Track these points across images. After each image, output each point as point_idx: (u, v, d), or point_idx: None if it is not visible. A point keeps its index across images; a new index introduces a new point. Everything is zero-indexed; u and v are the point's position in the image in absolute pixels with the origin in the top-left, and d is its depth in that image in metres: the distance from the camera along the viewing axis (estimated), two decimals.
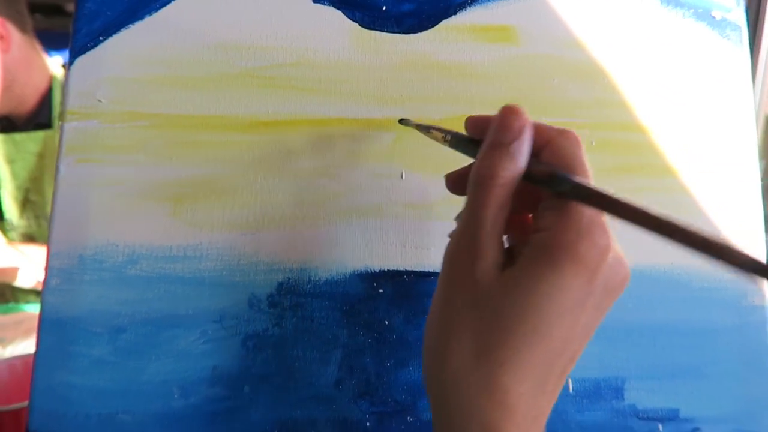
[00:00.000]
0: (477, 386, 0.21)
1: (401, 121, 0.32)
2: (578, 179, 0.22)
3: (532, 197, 0.24)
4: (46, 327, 0.30)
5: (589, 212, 0.22)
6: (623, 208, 0.20)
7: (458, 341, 0.22)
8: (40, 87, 0.93)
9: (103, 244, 0.31)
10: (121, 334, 0.30)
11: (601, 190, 0.21)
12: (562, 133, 0.24)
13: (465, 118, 0.33)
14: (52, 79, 0.94)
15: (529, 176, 0.23)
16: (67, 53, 0.33)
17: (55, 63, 0.97)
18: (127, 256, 0.31)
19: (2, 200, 0.92)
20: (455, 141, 0.27)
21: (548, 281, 0.21)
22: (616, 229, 0.22)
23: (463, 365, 0.22)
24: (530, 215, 0.25)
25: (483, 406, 0.21)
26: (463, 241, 0.23)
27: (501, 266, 0.23)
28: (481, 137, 0.24)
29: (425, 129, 0.30)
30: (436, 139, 0.29)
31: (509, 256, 0.23)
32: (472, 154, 0.25)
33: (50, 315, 0.30)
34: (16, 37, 0.88)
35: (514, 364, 0.21)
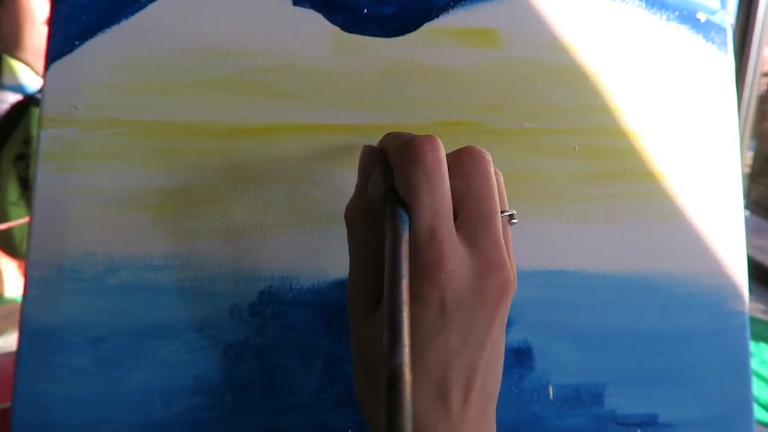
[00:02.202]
0: (374, 415, 0.24)
1: None
2: (389, 212, 0.23)
3: None
4: (26, 337, 0.30)
5: (426, 249, 0.23)
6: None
7: (356, 377, 0.26)
8: None
9: (83, 254, 0.30)
10: (102, 344, 0.30)
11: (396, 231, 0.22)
12: (399, 153, 0.24)
13: (447, 123, 0.33)
14: None
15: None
16: None
17: None
18: (107, 266, 0.30)
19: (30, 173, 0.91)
20: None
21: None
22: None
23: (365, 394, 0.25)
24: None
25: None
26: (347, 286, 0.27)
27: (376, 306, 0.25)
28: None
29: None
30: None
31: None
32: None
33: (30, 325, 0.30)
34: None
35: None
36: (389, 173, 0.25)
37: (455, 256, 0.23)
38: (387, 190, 0.25)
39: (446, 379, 0.23)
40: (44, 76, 0.31)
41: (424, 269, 0.23)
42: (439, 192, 0.23)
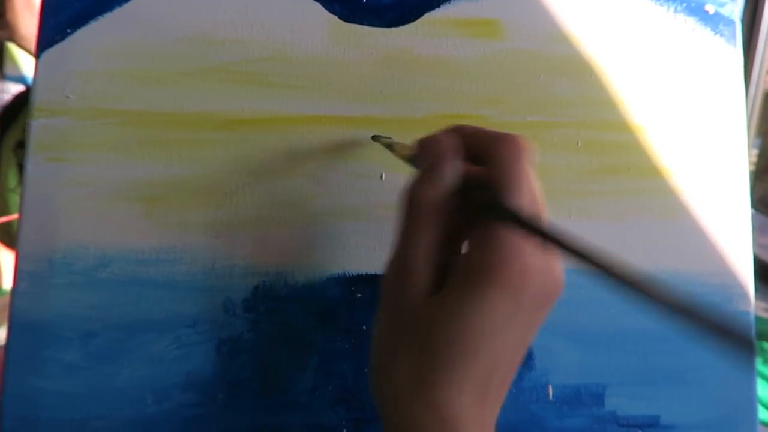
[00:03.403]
0: (418, 404, 0.22)
1: (373, 138, 0.31)
2: (504, 204, 0.22)
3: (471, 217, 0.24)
4: (16, 331, 0.29)
5: (512, 234, 0.22)
6: (546, 237, 0.20)
7: (398, 363, 0.23)
8: None
9: (74, 247, 0.30)
10: (93, 338, 0.29)
11: (528, 220, 0.21)
12: (500, 140, 0.24)
13: (447, 116, 0.32)
14: None
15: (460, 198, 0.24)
16: None
17: None
18: (98, 259, 0.30)
19: None
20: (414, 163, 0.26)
21: (472, 305, 0.22)
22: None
23: (404, 385, 0.23)
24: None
25: (425, 423, 0.22)
26: (395, 266, 0.25)
27: (433, 288, 0.23)
28: None
29: (391, 148, 0.30)
30: (401, 158, 0.28)
31: (446, 276, 0.24)
32: None
33: (20, 319, 0.29)
34: None
35: (450, 383, 0.22)
36: (468, 162, 0.25)
37: (539, 251, 0.23)
38: (467, 180, 0.24)
39: (490, 378, 0.22)
40: (36, 64, 0.31)
41: (515, 258, 0.22)
42: (535, 184, 0.24)
